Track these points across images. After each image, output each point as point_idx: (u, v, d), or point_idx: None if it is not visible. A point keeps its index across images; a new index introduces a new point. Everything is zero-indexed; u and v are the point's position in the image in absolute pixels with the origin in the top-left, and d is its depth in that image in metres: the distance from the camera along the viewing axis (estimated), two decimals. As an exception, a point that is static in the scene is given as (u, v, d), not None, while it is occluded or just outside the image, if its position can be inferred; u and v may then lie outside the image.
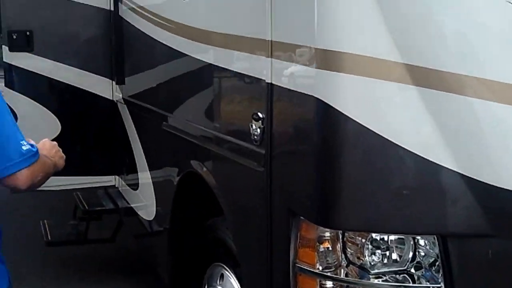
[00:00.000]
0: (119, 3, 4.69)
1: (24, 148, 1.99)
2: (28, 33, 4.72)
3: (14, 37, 4.69)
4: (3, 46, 4.73)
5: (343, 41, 1.89)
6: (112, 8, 4.85)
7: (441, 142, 1.89)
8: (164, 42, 3.59)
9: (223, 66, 2.70)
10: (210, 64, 2.84)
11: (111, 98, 5.03)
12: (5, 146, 1.97)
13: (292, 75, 2.10)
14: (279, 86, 2.18)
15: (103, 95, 5.02)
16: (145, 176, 4.31)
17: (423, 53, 1.88)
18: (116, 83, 4.87)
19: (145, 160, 4.26)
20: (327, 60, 1.90)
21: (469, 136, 1.89)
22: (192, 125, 3.13)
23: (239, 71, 2.54)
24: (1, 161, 1.96)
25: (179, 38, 3.30)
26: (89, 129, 5.08)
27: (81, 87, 4.95)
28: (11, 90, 4.82)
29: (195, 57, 3.05)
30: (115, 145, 5.02)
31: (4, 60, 4.75)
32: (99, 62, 4.99)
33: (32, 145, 2.05)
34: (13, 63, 4.76)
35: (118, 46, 4.75)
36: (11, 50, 4.72)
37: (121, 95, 4.83)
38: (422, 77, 1.87)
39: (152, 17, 3.81)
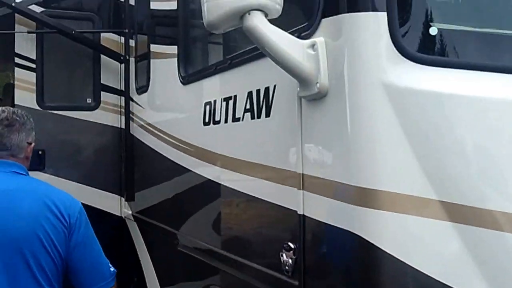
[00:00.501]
0: (131, 122, 4.82)
1: (111, 269, 2.53)
2: (40, 152, 4.80)
3: (27, 156, 4.77)
4: (15, 165, 4.79)
5: (379, 179, 1.95)
6: (123, 126, 4.98)
7: (479, 276, 1.92)
8: (180, 163, 3.67)
9: (250, 194, 2.76)
10: (235, 189, 2.90)
11: (119, 214, 5.06)
12: (102, 268, 2.48)
13: (326, 209, 2.16)
14: (312, 219, 2.23)
15: (111, 212, 5.05)
16: (156, 296, 4.26)
17: (457, 190, 1.95)
18: (126, 200, 4.90)
19: (156, 280, 4.23)
20: (364, 197, 1.96)
21: (506, 270, 1.93)
22: (215, 250, 3.14)
23: (267, 200, 2.59)
24: (99, 280, 2.44)
25: (198, 161, 3.38)
26: (97, 246, 5.05)
27: (90, 204, 4.97)
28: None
29: (217, 181, 3.12)
30: (123, 263, 4.98)
31: (16, 179, 4.79)
32: (108, 179, 5.06)
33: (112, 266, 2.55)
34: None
35: (128, 163, 4.83)
36: (23, 169, 4.78)
37: (130, 212, 4.86)
38: (457, 213, 1.93)
39: (167, 138, 3.91)
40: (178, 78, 3.65)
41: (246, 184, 2.79)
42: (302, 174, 2.28)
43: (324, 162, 2.20)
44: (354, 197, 2.00)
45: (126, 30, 4.86)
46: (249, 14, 2.04)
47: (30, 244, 2.30)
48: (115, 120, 5.04)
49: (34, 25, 4.80)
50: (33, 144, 2.56)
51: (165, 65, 3.97)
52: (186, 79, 3.55)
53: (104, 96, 5.02)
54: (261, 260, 2.64)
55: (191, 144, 3.49)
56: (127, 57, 4.87)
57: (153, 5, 4.26)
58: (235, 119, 2.87)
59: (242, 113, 2.77)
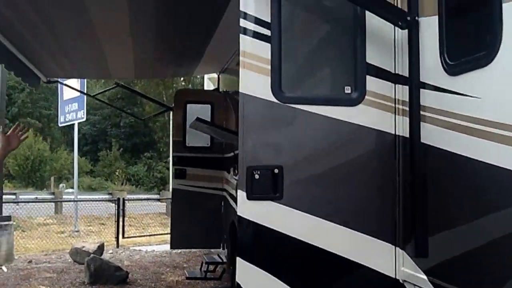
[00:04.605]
0: (422, 123, 2.90)
1: None
2: (276, 170, 2.97)
3: (256, 177, 2.95)
4: (238, 191, 2.98)
5: None
6: (401, 132, 3.07)
7: None
8: None
9: None
10: None
11: (393, 276, 3.10)
12: None
13: None
14: None
15: (377, 269, 3.11)
16: None
17: None
18: (415, 255, 2.94)
19: None
20: None
21: None
22: None
23: None
24: None
25: None
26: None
27: (341, 254, 3.07)
28: (242, 261, 3.00)
29: None
30: None
31: (239, 213, 2.97)
32: (373, 217, 3.14)
33: None
34: (250, 219, 2.98)
35: (415, 192, 2.89)
36: (249, 197, 2.96)
37: (418, 274, 2.90)
38: None
39: None
40: None
41: None
42: None
43: None
44: None
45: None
46: None
47: None
48: (387, 122, 3.13)
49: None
50: None
51: None
52: None
53: (371, 83, 3.13)
54: None
55: None
56: (415, 18, 2.96)
57: None
58: None
59: None
